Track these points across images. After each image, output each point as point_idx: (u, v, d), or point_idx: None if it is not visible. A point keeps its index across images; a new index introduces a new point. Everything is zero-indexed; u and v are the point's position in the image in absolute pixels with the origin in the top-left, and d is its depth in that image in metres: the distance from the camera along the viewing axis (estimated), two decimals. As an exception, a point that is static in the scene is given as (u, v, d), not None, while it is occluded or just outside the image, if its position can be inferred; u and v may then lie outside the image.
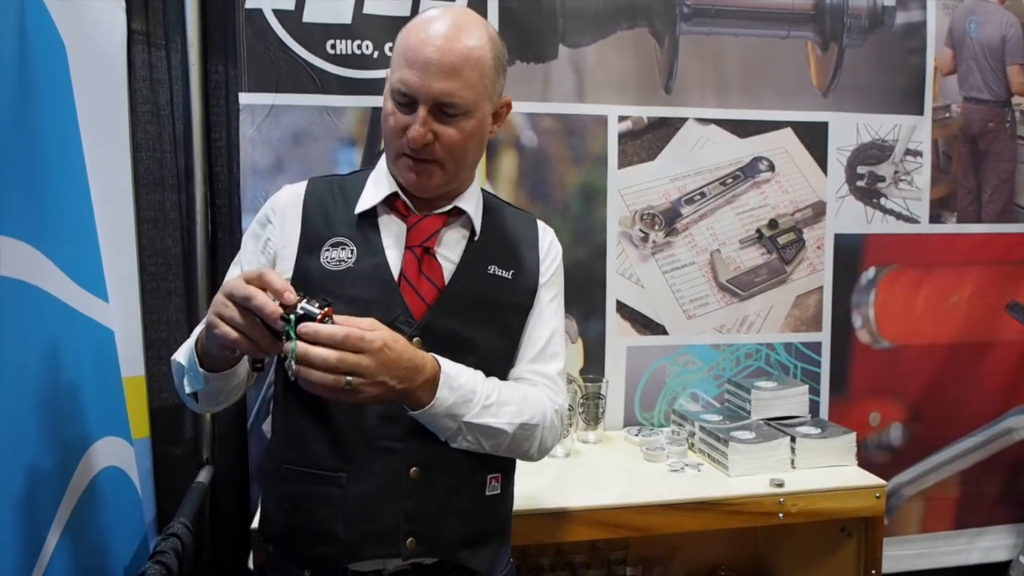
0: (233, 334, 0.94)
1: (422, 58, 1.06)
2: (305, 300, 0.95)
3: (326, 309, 0.94)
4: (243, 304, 0.93)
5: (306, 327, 0.93)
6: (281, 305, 0.93)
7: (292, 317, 0.93)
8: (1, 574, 1.00)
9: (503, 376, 1.19)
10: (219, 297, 0.96)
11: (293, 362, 0.93)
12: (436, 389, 1.04)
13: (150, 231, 1.76)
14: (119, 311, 1.59)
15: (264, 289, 0.94)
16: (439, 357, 1.06)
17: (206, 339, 1.02)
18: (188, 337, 1.17)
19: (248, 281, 0.95)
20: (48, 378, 1.20)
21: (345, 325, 0.96)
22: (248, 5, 1.74)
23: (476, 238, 1.18)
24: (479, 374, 1.11)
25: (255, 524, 1.37)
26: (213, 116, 1.82)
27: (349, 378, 0.94)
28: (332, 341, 0.93)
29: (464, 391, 1.07)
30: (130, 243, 1.70)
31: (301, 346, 0.92)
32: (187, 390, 1.12)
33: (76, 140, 1.44)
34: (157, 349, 1.75)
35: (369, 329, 0.97)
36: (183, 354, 1.13)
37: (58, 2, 1.35)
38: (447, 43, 1.06)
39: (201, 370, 1.07)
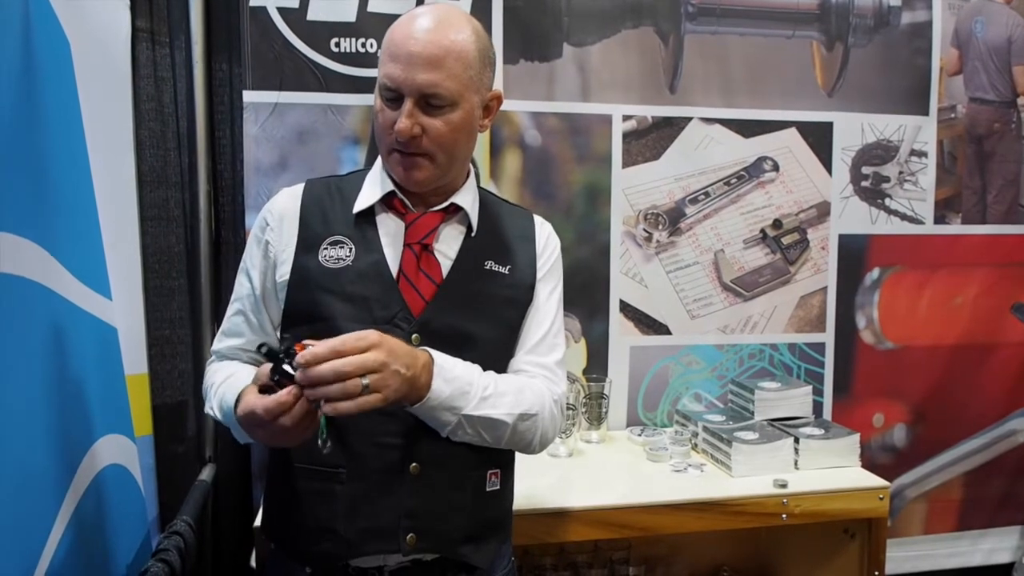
0: (282, 442, 0.98)
1: (405, 52, 1.07)
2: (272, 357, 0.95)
3: (299, 344, 0.94)
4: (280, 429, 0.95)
5: (303, 354, 0.92)
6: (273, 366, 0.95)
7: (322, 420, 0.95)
8: (4, 571, 1.00)
9: (503, 371, 1.19)
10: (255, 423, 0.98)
11: (325, 439, 0.95)
12: (431, 379, 1.03)
13: (153, 229, 1.76)
14: (122, 309, 1.58)
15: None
16: (432, 350, 1.06)
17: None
18: (195, 342, 1.18)
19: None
20: (51, 375, 1.20)
21: (339, 348, 0.96)
22: (252, 3, 1.74)
23: (473, 234, 1.19)
24: (476, 367, 1.11)
25: (257, 522, 1.36)
26: (217, 114, 1.82)
27: (365, 380, 0.93)
28: (332, 353, 0.92)
29: (460, 382, 1.06)
30: (133, 241, 1.70)
31: (308, 369, 0.92)
32: (240, 440, 1.12)
33: (80, 137, 1.43)
34: (160, 347, 1.76)
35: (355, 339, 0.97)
36: (219, 412, 1.12)
37: (63, -1, 1.35)
38: (429, 36, 1.07)
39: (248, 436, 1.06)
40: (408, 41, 1.07)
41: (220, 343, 1.23)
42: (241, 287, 1.21)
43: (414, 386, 1.01)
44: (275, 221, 1.17)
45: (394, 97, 1.09)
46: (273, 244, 1.16)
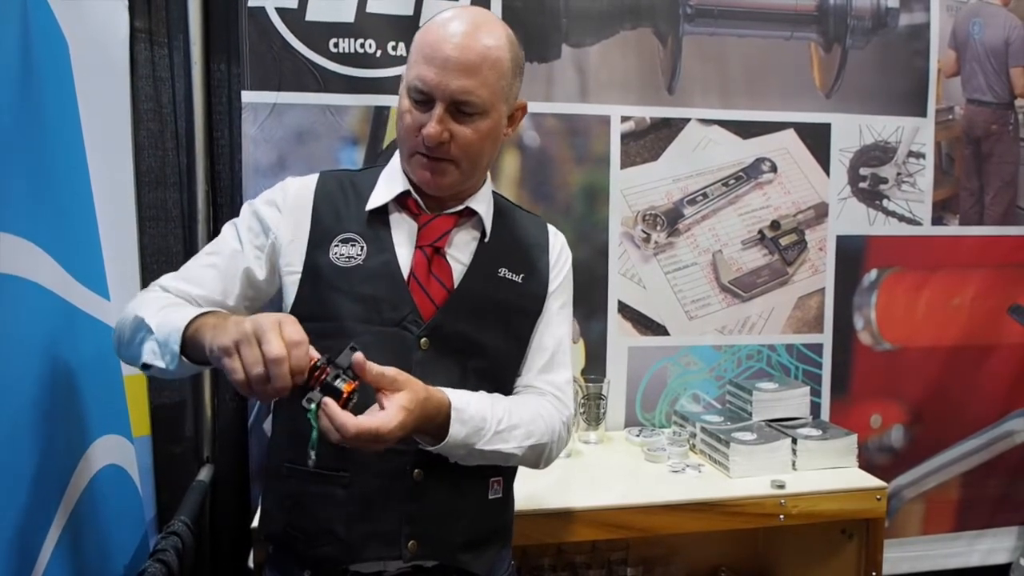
0: (240, 376, 0.87)
1: (441, 55, 1.05)
2: (330, 365, 0.90)
3: (350, 384, 0.91)
4: (266, 360, 0.86)
5: (324, 415, 0.90)
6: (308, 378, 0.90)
7: (313, 407, 0.90)
8: (2, 571, 1.00)
9: (509, 380, 1.19)
10: (248, 329, 0.87)
11: (312, 452, 0.92)
12: (448, 426, 1.03)
13: (152, 229, 1.76)
14: (121, 309, 1.58)
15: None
16: (449, 392, 1.05)
17: (207, 350, 0.93)
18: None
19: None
20: (49, 375, 1.20)
21: (376, 382, 0.95)
22: (251, 3, 1.74)
23: (487, 240, 1.17)
24: (487, 399, 1.10)
25: (255, 523, 1.36)
26: (215, 114, 1.81)
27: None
28: (344, 435, 0.91)
29: (475, 421, 1.06)
30: (132, 241, 1.70)
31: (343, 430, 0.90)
32: (145, 359, 1.01)
33: (78, 137, 1.43)
34: (158, 347, 1.75)
35: (392, 387, 0.96)
36: (155, 320, 1.01)
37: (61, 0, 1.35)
38: (466, 41, 1.05)
39: (182, 356, 0.98)
40: (444, 45, 1.05)
41: (171, 281, 1.12)
42: (224, 242, 1.16)
43: (424, 432, 1.03)
44: (287, 207, 1.15)
45: (424, 100, 1.07)
46: (275, 228, 1.14)
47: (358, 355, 0.93)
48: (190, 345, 0.98)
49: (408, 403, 0.96)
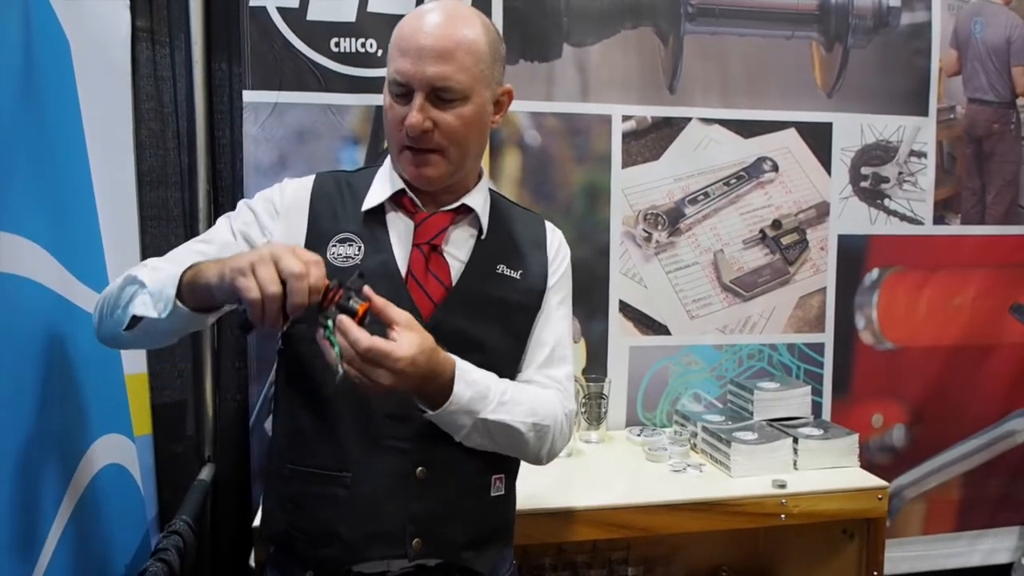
0: (256, 294, 0.88)
1: (415, 46, 1.06)
2: (341, 289, 0.94)
3: (364, 304, 0.94)
4: (286, 275, 0.89)
5: (339, 332, 0.93)
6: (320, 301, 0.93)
7: (330, 323, 0.93)
8: (3, 571, 1.00)
9: (510, 376, 1.18)
10: (264, 252, 0.91)
11: (340, 366, 0.93)
12: (452, 386, 1.03)
13: (153, 228, 1.76)
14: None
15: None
16: (453, 356, 1.06)
17: (217, 280, 0.94)
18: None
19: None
20: (50, 375, 1.20)
21: (383, 311, 0.96)
22: (252, 3, 1.74)
23: (484, 236, 1.18)
24: (491, 373, 1.11)
25: (256, 523, 1.36)
26: (217, 114, 1.82)
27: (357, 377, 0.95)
28: (356, 348, 0.92)
29: (480, 386, 1.07)
30: (133, 240, 1.70)
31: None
32: (136, 311, 1.00)
33: (79, 137, 1.43)
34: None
35: (406, 327, 0.97)
36: (148, 277, 1.01)
37: (63, -1, 1.35)
38: (439, 30, 1.07)
39: (177, 302, 0.97)
40: (418, 35, 1.07)
41: (159, 262, 1.09)
42: (217, 233, 1.15)
43: (415, 395, 1.02)
44: (283, 209, 1.15)
45: (404, 92, 1.08)
46: (271, 229, 1.14)
47: (366, 287, 0.96)
48: (187, 292, 0.98)
49: (421, 342, 0.97)
